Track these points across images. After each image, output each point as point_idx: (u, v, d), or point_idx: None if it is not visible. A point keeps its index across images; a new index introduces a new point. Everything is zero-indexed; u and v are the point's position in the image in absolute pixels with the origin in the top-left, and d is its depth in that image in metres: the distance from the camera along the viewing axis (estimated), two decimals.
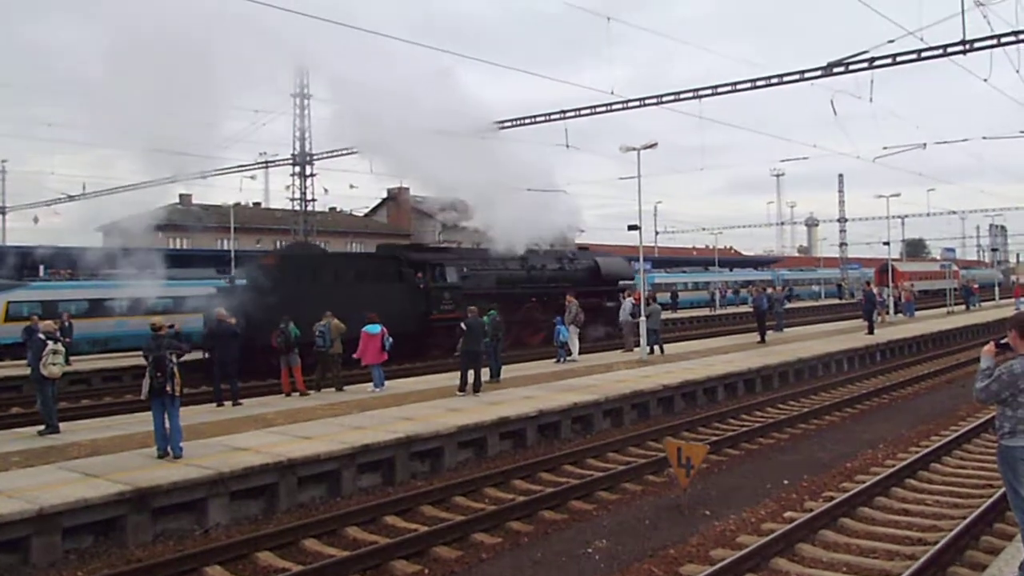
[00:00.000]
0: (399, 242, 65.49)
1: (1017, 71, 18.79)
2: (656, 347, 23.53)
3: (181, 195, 55.57)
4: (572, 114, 24.95)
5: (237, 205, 41.61)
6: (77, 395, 21.79)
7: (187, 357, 12.55)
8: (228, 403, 15.83)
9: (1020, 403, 5.73)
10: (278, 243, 40.97)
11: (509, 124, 26.82)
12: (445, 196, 32.66)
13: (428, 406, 14.90)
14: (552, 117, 25.34)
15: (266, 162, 37.20)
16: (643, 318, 23.26)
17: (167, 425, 10.92)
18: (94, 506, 8.79)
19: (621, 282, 34.17)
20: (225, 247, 38.36)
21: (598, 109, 24.44)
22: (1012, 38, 18.26)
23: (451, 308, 26.12)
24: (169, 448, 10.84)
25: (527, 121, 26.30)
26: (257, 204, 67.37)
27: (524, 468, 12.05)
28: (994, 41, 18.43)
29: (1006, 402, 5.80)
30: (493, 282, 29.61)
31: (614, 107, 24.03)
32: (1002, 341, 5.95)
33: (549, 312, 28.25)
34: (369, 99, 26.16)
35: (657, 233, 72.85)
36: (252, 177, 42.42)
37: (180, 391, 11.13)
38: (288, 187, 35.42)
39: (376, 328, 17.21)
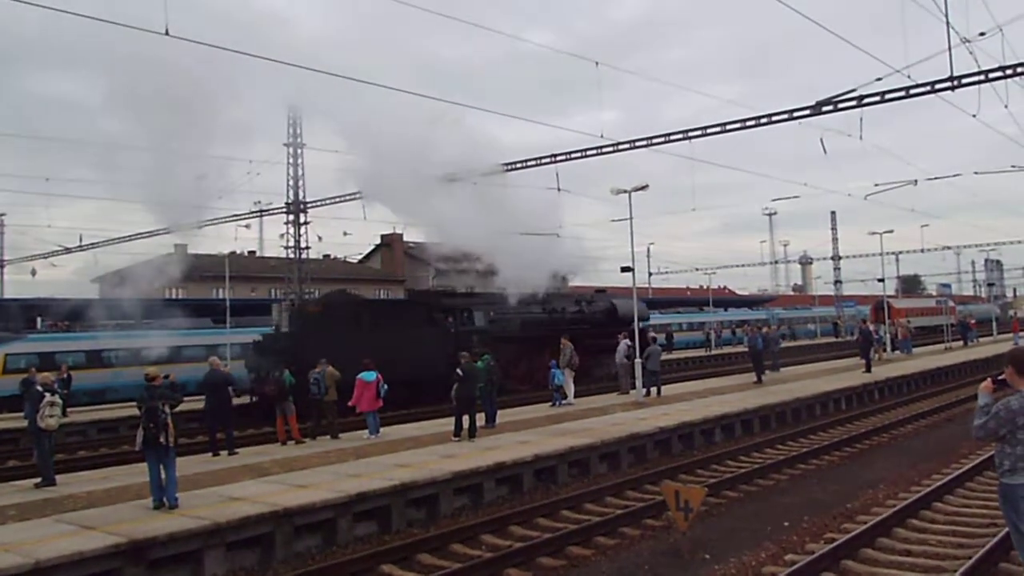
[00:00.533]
0: (394, 287, 65.74)
1: (1006, 106, 19.06)
2: (653, 389, 23.46)
3: (176, 245, 55.66)
4: (563, 158, 25.17)
5: (232, 254, 41.70)
6: (74, 447, 21.62)
7: (184, 406, 12.50)
8: (224, 452, 15.70)
9: (1019, 440, 5.71)
10: (272, 291, 41.04)
11: (502, 168, 27.04)
12: (449, 243, 32.79)
13: (423, 452, 14.81)
14: (543, 161, 25.57)
15: (260, 211, 37.40)
16: (639, 360, 23.25)
17: (163, 476, 10.86)
18: (89, 559, 8.69)
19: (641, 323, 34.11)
20: (220, 296, 38.34)
21: (588, 152, 24.67)
22: (999, 73, 18.53)
23: (478, 352, 26.26)
24: (165, 499, 10.76)
25: (518, 166, 26.54)
26: (252, 253, 67.48)
27: (521, 514, 11.94)
28: (982, 77, 18.70)
29: (1005, 439, 5.78)
30: (517, 326, 30.67)
31: (604, 150, 24.27)
32: (1000, 378, 5.95)
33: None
34: (374, 147, 26.53)
35: (651, 274, 72.93)
36: (247, 226, 42.48)
37: (174, 441, 11.08)
38: (282, 235, 35.59)
39: (372, 375, 17.16)
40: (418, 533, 11.32)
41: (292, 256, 34.76)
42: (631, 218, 23.81)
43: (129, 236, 37.50)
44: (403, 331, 25.90)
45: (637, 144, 24.27)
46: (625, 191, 23.18)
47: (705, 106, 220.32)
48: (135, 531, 9.40)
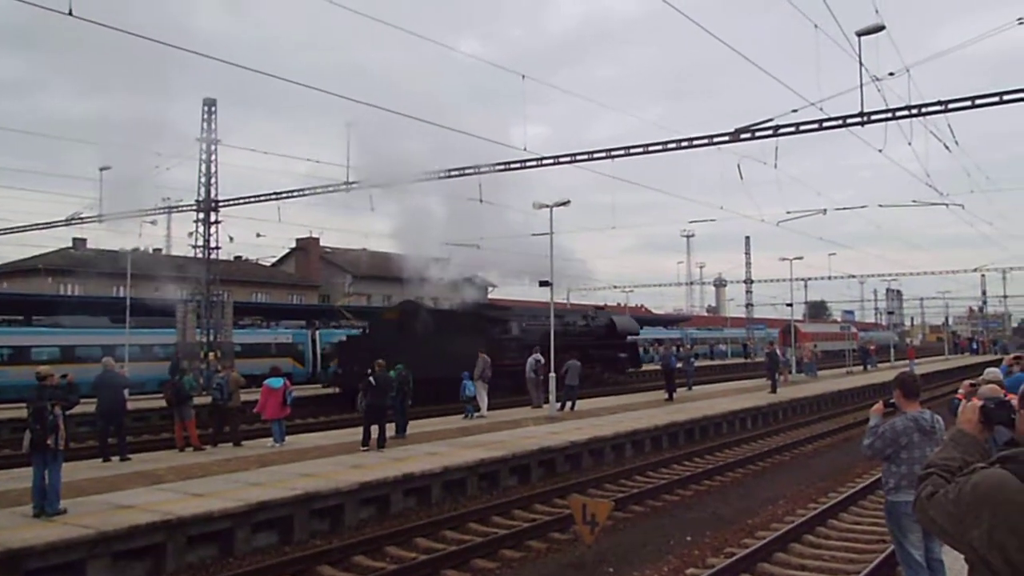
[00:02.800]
0: (308, 292, 64.52)
1: (909, 143, 19.85)
2: (568, 403, 23.54)
3: (75, 239, 53.36)
4: (487, 169, 25.10)
5: (136, 251, 40.10)
6: None
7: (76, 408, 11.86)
8: (115, 458, 14.98)
9: (903, 459, 5.90)
10: (180, 292, 39.55)
11: (423, 177, 26.81)
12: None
13: (330, 462, 14.45)
14: (466, 172, 25.45)
15: (169, 207, 36.12)
16: (552, 374, 23.33)
17: (46, 481, 10.26)
18: None
19: (629, 337, 40.67)
20: (120, 294, 36.86)
21: (512, 165, 24.67)
22: (905, 112, 19.31)
23: (513, 356, 30.13)
24: (45, 506, 10.16)
25: (441, 175, 26.35)
26: (158, 251, 65.28)
27: (428, 526, 11.76)
28: (889, 115, 19.40)
29: (890, 458, 5.98)
30: (539, 337, 32.49)
31: (528, 164, 24.30)
32: (891, 401, 6.15)
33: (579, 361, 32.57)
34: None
35: (569, 290, 73.57)
36: (153, 222, 40.91)
37: (64, 445, 10.51)
38: (191, 234, 34.38)
39: (278, 382, 16.72)
40: (320, 544, 11.02)
41: (201, 256, 33.55)
42: (551, 233, 23.92)
43: (23, 227, 35.62)
44: (457, 337, 28.52)
45: (560, 160, 24.40)
46: (547, 206, 23.26)
47: (630, 126, 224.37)
48: (11, 540, 8.83)
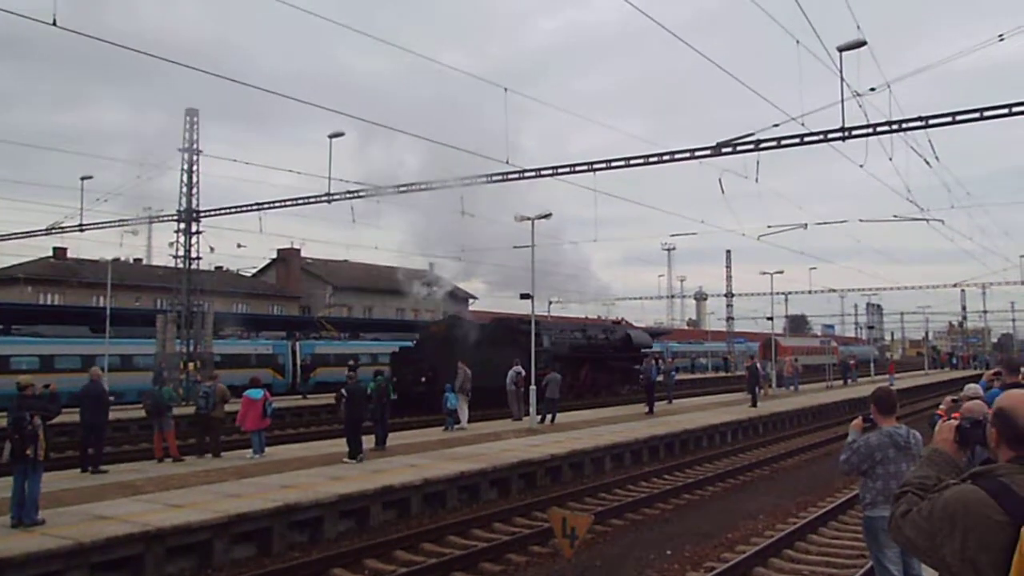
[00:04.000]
0: (289, 303, 64.25)
1: (890, 158, 20.09)
2: (548, 416, 23.56)
3: (55, 248, 52.94)
4: (468, 182, 25.19)
5: (116, 261, 39.78)
6: None
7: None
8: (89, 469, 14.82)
9: (878, 475, 5.95)
10: (159, 302, 39.30)
11: (405, 188, 26.81)
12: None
13: (310, 474, 14.39)
14: (448, 184, 25.51)
15: (150, 217, 35.88)
16: (533, 387, 23.35)
17: (26, 492, 10.16)
18: None
19: (643, 350, 43.08)
20: (101, 304, 36.54)
21: (493, 178, 24.75)
22: (886, 128, 19.52)
23: (544, 367, 31.81)
24: (23, 516, 10.06)
25: (423, 187, 26.39)
26: (138, 261, 64.78)
27: (407, 539, 11.72)
28: (870, 130, 19.57)
29: (866, 473, 6.03)
30: (567, 348, 36.81)
31: (510, 176, 24.38)
32: (870, 416, 6.21)
33: (599, 371, 38.56)
34: None
35: (551, 303, 73.65)
36: (134, 232, 40.64)
37: (44, 455, 10.43)
38: (172, 244, 34.11)
39: (259, 393, 16.65)
40: (299, 556, 10.96)
41: (181, 266, 33.34)
42: (532, 245, 24.01)
43: (2, 235, 35.31)
44: (498, 348, 30.73)
45: (543, 173, 24.49)
46: (528, 218, 23.35)
47: (612, 139, 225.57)
48: None
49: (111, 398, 15.95)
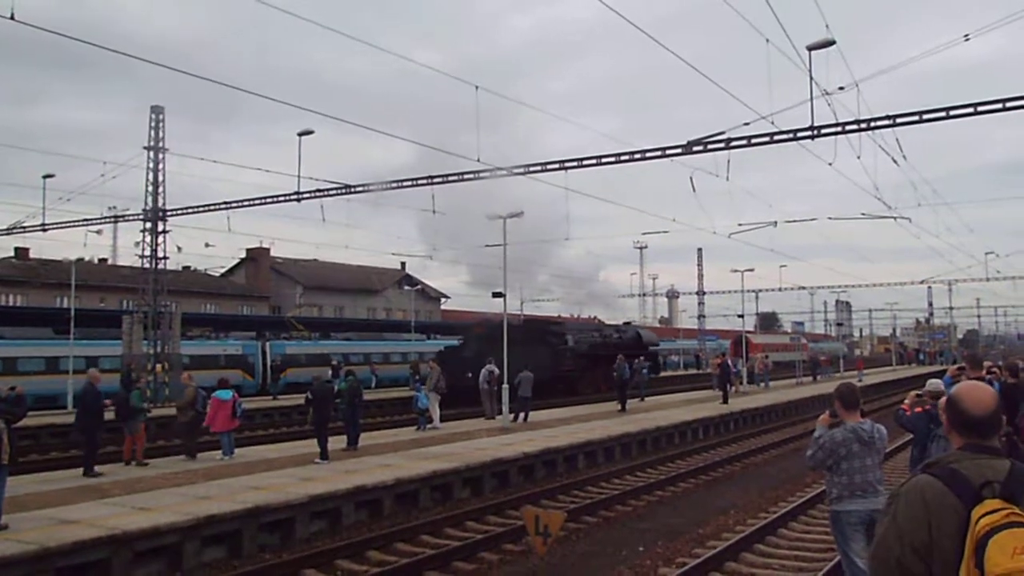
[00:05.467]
0: (258, 303, 63.62)
1: (858, 157, 20.25)
2: (521, 414, 23.56)
3: (17, 248, 52.05)
4: (439, 180, 25.07)
5: (80, 261, 39.14)
6: None
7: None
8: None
9: (843, 470, 6.01)
10: (125, 303, 38.64)
11: (375, 187, 26.65)
12: None
13: (281, 475, 14.27)
14: (419, 182, 25.39)
15: (115, 216, 35.34)
16: (506, 385, 23.34)
17: None
18: None
19: (650, 348, 47.35)
20: (64, 305, 35.94)
21: (465, 176, 24.67)
22: (854, 126, 19.70)
23: (569, 364, 36.70)
24: None
25: (394, 185, 26.25)
26: (103, 261, 63.82)
27: (380, 538, 11.67)
28: (839, 128, 19.72)
29: (832, 468, 6.09)
30: (586, 347, 40.57)
31: (481, 175, 24.32)
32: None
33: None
34: None
35: (523, 302, 73.74)
36: (98, 232, 39.98)
37: (8, 459, 10.23)
38: (138, 243, 33.60)
39: (228, 394, 16.48)
40: (270, 558, 10.87)
41: (148, 266, 32.84)
42: (504, 244, 24.03)
43: None
44: (531, 347, 33.32)
45: (515, 171, 24.46)
46: (500, 217, 23.33)
47: (585, 138, 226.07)
48: None
49: (106, 401, 15.61)
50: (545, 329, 40.14)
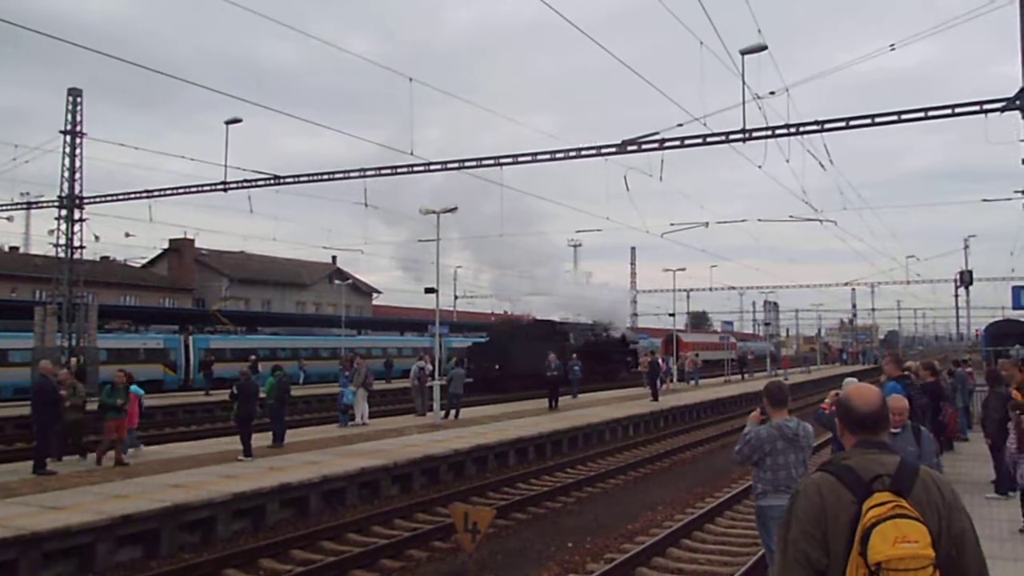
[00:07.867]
0: (181, 296, 61.90)
1: (787, 161, 20.69)
2: (452, 411, 23.38)
3: None
4: (372, 173, 24.69)
5: None
6: None
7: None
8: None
9: (768, 465, 6.08)
10: (38, 293, 37.11)
11: (305, 179, 26.12)
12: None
13: (202, 472, 13.81)
14: (351, 175, 24.96)
15: (28, 203, 33.85)
16: (437, 382, 23.13)
17: None
18: None
19: (631, 345, 54.10)
20: None
21: (399, 170, 24.35)
22: (784, 130, 20.10)
23: (573, 358, 37.95)
24: None
25: (324, 177, 25.76)
26: (15, 249, 61.27)
27: (305, 537, 11.39)
28: (769, 132, 20.11)
29: (758, 464, 6.15)
30: (583, 343, 45.35)
31: (415, 168, 24.04)
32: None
33: (606, 363, 48.17)
34: None
35: (456, 298, 73.46)
36: (9, 219, 38.36)
37: None
38: (52, 231, 32.12)
39: (140, 390, 15.97)
40: (190, 558, 10.50)
41: (62, 255, 31.48)
42: (438, 239, 23.81)
43: None
44: (541, 343, 37.04)
45: (449, 165, 24.25)
46: (434, 212, 23.09)
47: (520, 134, 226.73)
48: None
49: (62, 393, 14.73)
50: (554, 329, 45.56)
